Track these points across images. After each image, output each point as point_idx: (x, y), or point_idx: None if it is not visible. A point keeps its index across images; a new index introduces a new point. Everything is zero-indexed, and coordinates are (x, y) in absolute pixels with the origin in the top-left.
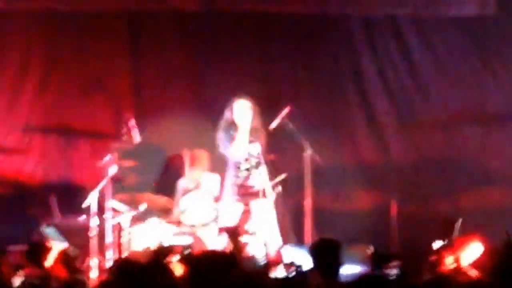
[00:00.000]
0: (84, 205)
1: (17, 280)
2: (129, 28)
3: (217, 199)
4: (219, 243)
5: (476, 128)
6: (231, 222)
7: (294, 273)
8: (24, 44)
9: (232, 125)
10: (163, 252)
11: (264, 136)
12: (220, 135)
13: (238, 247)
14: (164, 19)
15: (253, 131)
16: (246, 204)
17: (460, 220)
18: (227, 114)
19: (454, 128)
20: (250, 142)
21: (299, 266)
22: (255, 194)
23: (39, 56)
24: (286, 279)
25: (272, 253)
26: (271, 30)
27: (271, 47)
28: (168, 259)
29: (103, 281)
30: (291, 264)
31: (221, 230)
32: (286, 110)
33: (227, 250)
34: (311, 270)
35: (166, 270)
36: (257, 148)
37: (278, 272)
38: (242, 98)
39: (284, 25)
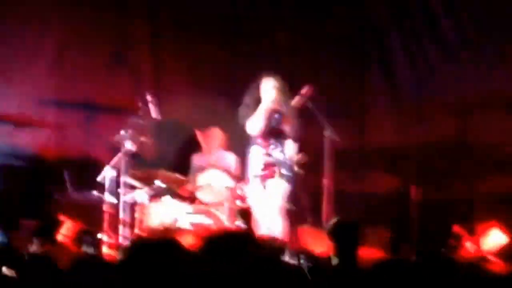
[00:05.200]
0: (98, 180)
1: (31, 249)
2: (148, 2)
3: (235, 178)
4: (235, 221)
5: (498, 113)
6: (248, 202)
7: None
8: (41, 15)
9: (257, 102)
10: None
11: (293, 116)
12: (243, 109)
13: (250, 228)
14: None
15: (280, 110)
16: (264, 183)
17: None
18: (253, 91)
19: (479, 112)
20: (277, 121)
21: (312, 252)
22: (273, 174)
23: (56, 28)
24: (299, 263)
25: (287, 236)
26: (292, 8)
27: (291, 25)
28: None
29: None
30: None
31: (233, 210)
32: (306, 89)
33: (243, 229)
34: (325, 255)
35: (181, 248)
36: (284, 129)
37: (292, 257)
38: (268, 76)
39: (306, 3)
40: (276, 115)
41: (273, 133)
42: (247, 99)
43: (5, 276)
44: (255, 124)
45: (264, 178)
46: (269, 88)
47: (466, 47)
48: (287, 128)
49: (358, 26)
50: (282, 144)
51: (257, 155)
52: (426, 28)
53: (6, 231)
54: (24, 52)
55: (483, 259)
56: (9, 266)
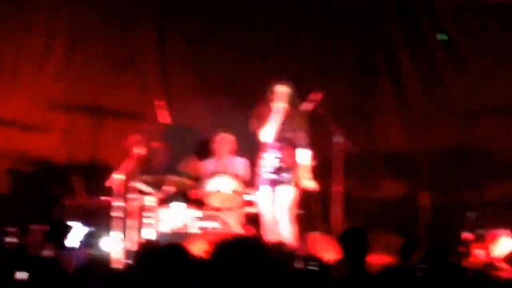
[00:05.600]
0: (108, 185)
1: (42, 254)
2: (156, 6)
3: (246, 184)
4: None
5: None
6: (259, 208)
7: (316, 264)
8: (49, 19)
9: (268, 108)
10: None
11: (305, 123)
12: (254, 116)
13: (259, 233)
14: None
15: (292, 116)
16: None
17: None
18: (265, 97)
19: (487, 117)
20: (288, 127)
21: (321, 258)
22: (283, 181)
23: (65, 31)
24: (309, 270)
25: (296, 242)
26: (300, 12)
27: (301, 30)
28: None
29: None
30: (313, 255)
31: (242, 216)
32: (315, 95)
33: (252, 235)
34: (334, 262)
35: (190, 253)
36: (295, 135)
37: (301, 262)
38: (280, 82)
39: (316, 8)
40: (287, 121)
41: (284, 139)
42: (259, 105)
43: (18, 280)
44: (267, 131)
45: (274, 183)
46: (280, 95)
47: (472, 54)
48: (298, 134)
49: (367, 33)
50: (293, 150)
51: (268, 160)
52: (433, 35)
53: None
54: (32, 56)
55: (492, 265)
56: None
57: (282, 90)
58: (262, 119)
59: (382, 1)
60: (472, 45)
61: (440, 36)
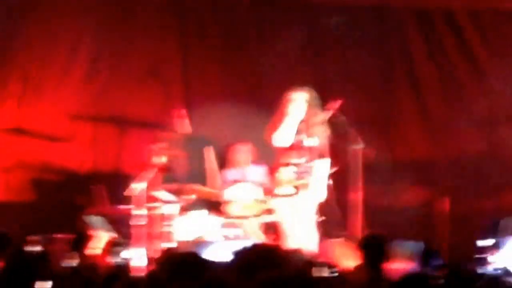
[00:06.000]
0: (131, 194)
1: (69, 264)
2: (178, 14)
3: (267, 192)
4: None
5: None
6: (279, 216)
7: (336, 272)
8: (73, 31)
9: (284, 114)
10: None
11: (324, 131)
12: (271, 123)
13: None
14: (214, 6)
15: (310, 125)
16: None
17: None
18: (283, 104)
19: (507, 125)
20: (305, 134)
21: (341, 265)
22: (303, 187)
23: (89, 43)
24: (328, 278)
25: (316, 249)
26: (321, 20)
27: (321, 38)
28: None
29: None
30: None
31: (262, 224)
32: (337, 103)
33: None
34: (354, 269)
35: (209, 261)
36: (314, 142)
37: (321, 270)
38: (299, 89)
39: (333, 16)
40: (306, 128)
41: (304, 146)
42: (277, 112)
43: None
44: (282, 136)
45: (295, 190)
46: (299, 101)
47: (492, 61)
48: (316, 140)
49: (386, 41)
50: (313, 157)
51: (289, 167)
52: (453, 41)
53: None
54: (57, 67)
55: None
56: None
57: (298, 97)
58: (276, 124)
59: (401, 11)
60: (492, 52)
61: None
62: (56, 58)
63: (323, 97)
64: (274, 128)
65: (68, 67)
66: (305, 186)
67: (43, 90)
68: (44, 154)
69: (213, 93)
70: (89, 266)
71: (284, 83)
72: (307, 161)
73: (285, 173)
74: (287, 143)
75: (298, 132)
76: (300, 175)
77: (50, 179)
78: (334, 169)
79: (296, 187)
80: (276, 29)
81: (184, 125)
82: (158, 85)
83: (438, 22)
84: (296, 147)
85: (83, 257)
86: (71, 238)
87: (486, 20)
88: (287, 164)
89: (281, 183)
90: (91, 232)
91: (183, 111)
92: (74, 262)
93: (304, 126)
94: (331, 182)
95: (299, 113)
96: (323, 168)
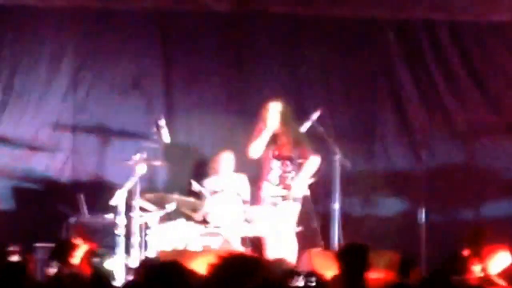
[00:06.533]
0: (111, 204)
1: (47, 273)
2: (160, 27)
3: (246, 201)
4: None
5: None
6: (260, 225)
7: (314, 282)
8: (56, 41)
9: (263, 126)
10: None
11: (302, 139)
12: (253, 134)
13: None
14: (195, 19)
15: (287, 134)
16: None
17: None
18: (262, 115)
19: (485, 137)
20: (284, 143)
21: (321, 275)
22: (284, 198)
23: (71, 53)
24: (308, 286)
25: (296, 259)
26: (303, 32)
27: (302, 49)
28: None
29: (129, 280)
30: (313, 272)
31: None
32: (317, 113)
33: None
34: (333, 278)
35: (190, 271)
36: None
37: (299, 280)
38: (273, 100)
39: (316, 28)
40: (282, 138)
41: (283, 157)
42: (257, 123)
43: None
44: (255, 147)
45: (275, 200)
46: (274, 113)
47: (471, 74)
48: (292, 152)
49: (368, 53)
50: (293, 167)
51: (270, 177)
52: (433, 54)
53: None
54: (40, 77)
55: (488, 281)
56: None
57: (274, 107)
58: (255, 136)
59: (383, 23)
60: (471, 65)
61: None
62: (39, 68)
63: (304, 108)
64: (253, 139)
65: (51, 77)
66: (285, 197)
67: (26, 100)
68: (27, 164)
69: (193, 103)
70: (68, 275)
71: (265, 93)
72: (289, 171)
73: (266, 184)
74: (258, 154)
75: (275, 142)
76: (282, 185)
77: (32, 188)
78: (313, 180)
79: (279, 197)
80: (257, 40)
81: (164, 135)
82: (140, 96)
83: (419, 35)
84: (277, 157)
85: (63, 266)
86: (53, 248)
87: (466, 33)
88: (270, 174)
89: (262, 194)
90: (74, 241)
91: (164, 121)
92: (54, 272)
93: (280, 136)
94: (308, 192)
95: (273, 124)
96: (303, 177)
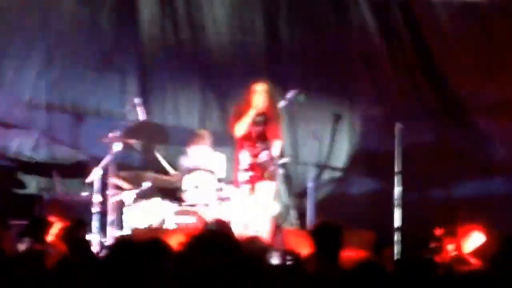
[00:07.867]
0: (87, 181)
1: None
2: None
3: (223, 179)
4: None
5: (482, 118)
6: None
7: (291, 260)
8: (30, 20)
9: (247, 106)
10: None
11: (280, 119)
12: (234, 114)
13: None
14: None
15: (269, 114)
16: (253, 186)
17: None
18: (247, 96)
19: (460, 117)
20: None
21: (296, 253)
22: (261, 177)
23: (45, 32)
24: (283, 265)
25: (272, 237)
26: (281, 9)
27: (280, 27)
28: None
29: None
30: (288, 250)
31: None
32: (293, 92)
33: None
34: (308, 257)
35: (166, 249)
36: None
37: (275, 258)
38: (258, 81)
39: (294, 6)
40: (262, 118)
41: (260, 136)
42: (238, 103)
43: None
44: (241, 127)
45: (251, 179)
46: (258, 92)
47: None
48: (273, 130)
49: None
50: (268, 147)
51: (244, 157)
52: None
53: None
54: (13, 56)
55: (461, 260)
56: None
57: (259, 88)
58: (239, 116)
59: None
60: (446, 45)
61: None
62: (12, 46)
63: (280, 85)
64: (237, 119)
65: (25, 55)
66: (262, 174)
67: (1, 80)
68: (2, 142)
69: (168, 81)
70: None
71: (243, 73)
72: (264, 150)
73: (243, 162)
74: (243, 132)
75: (257, 121)
76: (258, 163)
77: (6, 166)
78: (288, 158)
79: (254, 176)
80: (232, 17)
81: (139, 113)
82: (114, 74)
83: (396, 13)
84: (254, 137)
85: (36, 243)
86: (26, 225)
87: (440, 13)
88: (246, 153)
89: (239, 171)
90: (49, 219)
91: (138, 100)
92: (30, 248)
93: (261, 115)
94: (284, 171)
95: (260, 104)
96: (278, 156)
